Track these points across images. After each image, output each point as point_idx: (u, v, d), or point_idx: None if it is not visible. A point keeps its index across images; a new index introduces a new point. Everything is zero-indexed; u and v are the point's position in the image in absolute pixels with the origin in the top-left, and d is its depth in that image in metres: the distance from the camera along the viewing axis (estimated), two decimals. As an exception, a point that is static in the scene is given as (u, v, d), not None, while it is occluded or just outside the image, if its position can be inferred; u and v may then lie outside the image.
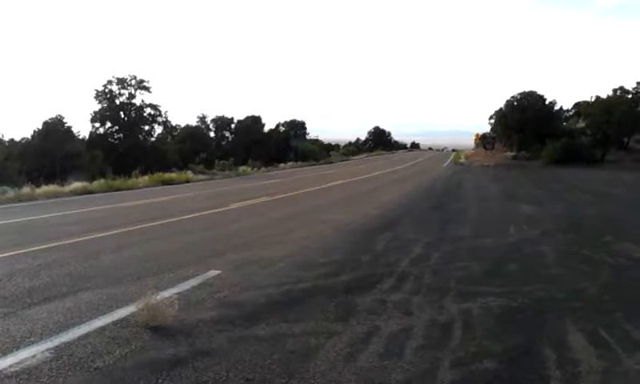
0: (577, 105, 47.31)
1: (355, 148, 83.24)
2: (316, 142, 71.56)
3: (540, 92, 42.75)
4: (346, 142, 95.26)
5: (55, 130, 43.79)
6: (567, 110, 48.11)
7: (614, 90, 39.39)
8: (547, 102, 42.44)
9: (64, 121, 45.37)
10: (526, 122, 40.43)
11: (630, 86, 38.71)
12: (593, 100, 40.10)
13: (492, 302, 4.92)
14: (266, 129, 68.57)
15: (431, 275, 5.93)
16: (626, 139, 39.08)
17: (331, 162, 48.75)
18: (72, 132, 46.25)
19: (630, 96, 38.26)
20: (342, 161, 52.85)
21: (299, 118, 73.20)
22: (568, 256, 7.17)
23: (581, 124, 41.96)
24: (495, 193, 17.45)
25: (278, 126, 71.19)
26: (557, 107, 43.76)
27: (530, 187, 19.56)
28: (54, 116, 45.07)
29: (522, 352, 3.75)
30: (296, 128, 70.88)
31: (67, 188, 17.91)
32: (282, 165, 39.63)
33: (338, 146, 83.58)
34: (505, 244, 8.10)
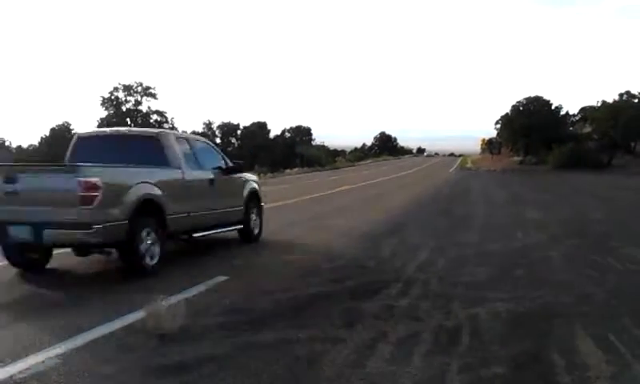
0: (583, 110, 47.17)
1: (361, 154, 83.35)
2: (322, 147, 71.71)
3: (546, 97, 42.79)
4: (352, 147, 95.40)
5: (62, 136, 44.14)
6: (573, 115, 47.96)
7: (621, 95, 39.30)
8: (553, 107, 42.40)
9: (71, 127, 45.82)
10: (532, 127, 40.37)
11: (636, 90, 38.61)
12: (599, 105, 39.98)
13: (500, 307, 4.89)
14: (272, 135, 68.91)
15: (438, 280, 5.91)
16: (632, 143, 38.88)
17: (337, 168, 48.82)
18: (79, 139, 46.54)
19: (636, 100, 38.12)
20: (348, 166, 52.88)
21: (305, 124, 73.60)
22: (575, 261, 7.13)
23: (587, 129, 41.85)
24: (502, 198, 17.39)
25: (283, 132, 71.52)
26: (563, 112, 43.73)
27: (537, 192, 19.48)
28: (60, 122, 45.52)
29: (530, 357, 3.72)
30: (302, 134, 71.14)
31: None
32: (287, 171, 39.72)
33: (343, 151, 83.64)
34: (512, 249, 8.07)
